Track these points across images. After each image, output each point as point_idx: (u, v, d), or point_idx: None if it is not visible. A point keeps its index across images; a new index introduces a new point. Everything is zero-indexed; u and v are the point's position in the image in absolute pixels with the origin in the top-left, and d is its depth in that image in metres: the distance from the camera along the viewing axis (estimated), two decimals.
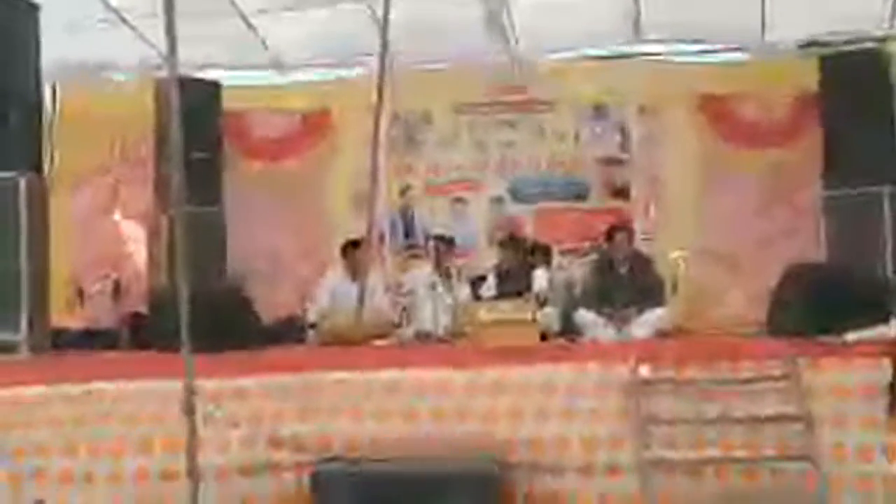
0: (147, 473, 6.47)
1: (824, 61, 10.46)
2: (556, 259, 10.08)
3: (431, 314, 9.07)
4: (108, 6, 10.17)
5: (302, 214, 11.46)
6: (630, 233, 9.42)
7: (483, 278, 9.55)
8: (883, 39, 10.36)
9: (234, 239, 11.16)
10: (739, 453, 6.26)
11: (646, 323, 8.38)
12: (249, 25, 10.79)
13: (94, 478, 6.52)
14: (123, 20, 10.23)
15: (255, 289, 9.84)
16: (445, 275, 9.43)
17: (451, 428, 6.49)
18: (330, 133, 11.71)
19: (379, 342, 8.63)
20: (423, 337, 8.89)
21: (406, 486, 6.19)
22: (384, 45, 7.96)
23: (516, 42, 11.19)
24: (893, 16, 10.23)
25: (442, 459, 6.32)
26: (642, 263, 9.01)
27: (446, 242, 9.79)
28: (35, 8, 8.66)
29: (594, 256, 10.05)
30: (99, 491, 6.51)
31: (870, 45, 10.31)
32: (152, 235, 10.74)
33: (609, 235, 9.14)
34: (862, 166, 9.95)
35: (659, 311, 8.52)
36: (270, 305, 10.08)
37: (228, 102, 11.27)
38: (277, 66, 11.58)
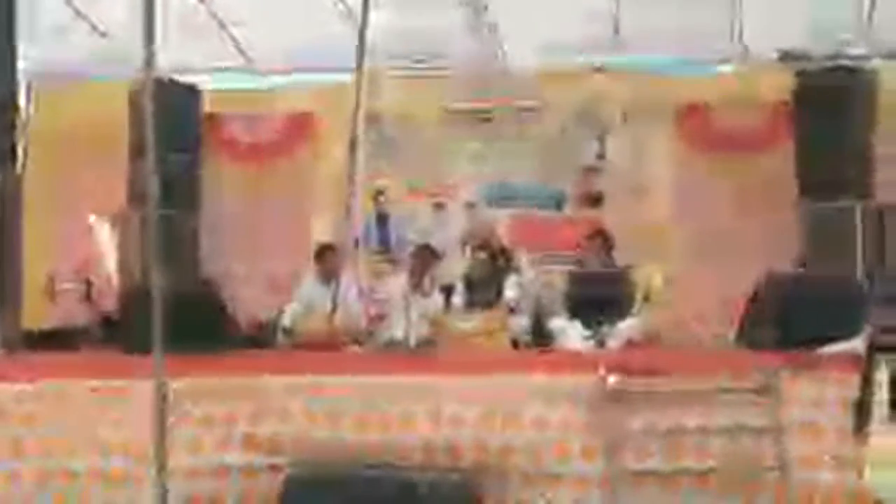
0: (117, 473, 6.42)
1: (799, 76, 10.51)
2: (527, 267, 9.98)
3: (404, 323, 9.03)
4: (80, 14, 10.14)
5: (280, 218, 11.40)
6: (607, 239, 9.29)
7: (451, 287, 9.44)
8: (862, 57, 10.42)
9: (212, 241, 11.11)
10: (712, 464, 6.26)
11: (618, 333, 8.36)
12: (223, 27, 10.75)
13: (67, 476, 6.48)
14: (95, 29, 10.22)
15: (231, 292, 9.79)
16: (417, 285, 9.36)
17: (425, 435, 6.46)
18: (310, 137, 11.66)
19: (352, 348, 8.60)
20: (394, 345, 8.84)
21: (378, 492, 6.18)
22: (361, 49, 7.94)
23: (498, 49, 11.21)
24: (870, 26, 10.28)
25: (415, 467, 6.31)
26: (616, 272, 8.98)
27: (430, 252, 9.72)
28: (12, 7, 8.60)
29: (569, 265, 9.99)
30: (71, 490, 6.48)
31: (846, 61, 10.36)
32: (125, 237, 10.67)
33: (586, 241, 9.12)
34: (834, 181, 10.00)
35: (631, 321, 8.50)
36: (246, 308, 10.04)
37: (209, 106, 11.22)
38: (259, 70, 11.55)
